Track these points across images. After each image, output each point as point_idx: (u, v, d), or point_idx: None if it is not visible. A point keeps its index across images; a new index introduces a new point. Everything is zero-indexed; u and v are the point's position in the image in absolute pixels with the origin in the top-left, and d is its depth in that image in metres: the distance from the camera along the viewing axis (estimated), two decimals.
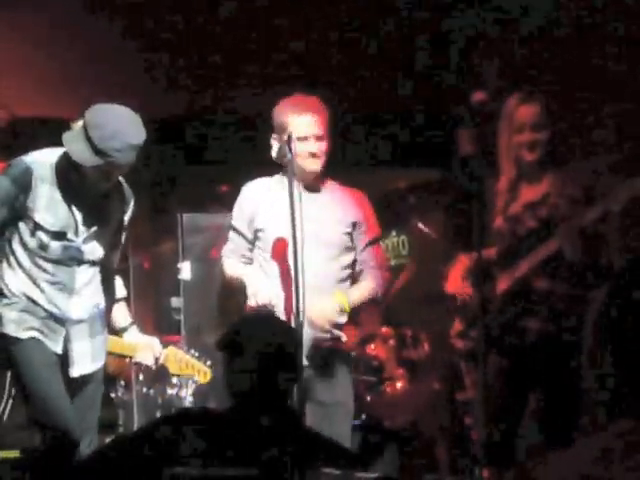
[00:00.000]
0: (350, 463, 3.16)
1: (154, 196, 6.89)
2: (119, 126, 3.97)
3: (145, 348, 4.45)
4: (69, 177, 4.11)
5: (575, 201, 4.21)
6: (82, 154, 3.97)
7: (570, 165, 4.40)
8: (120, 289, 4.52)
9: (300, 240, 4.11)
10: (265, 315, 4.09)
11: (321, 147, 4.39)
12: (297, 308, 4.02)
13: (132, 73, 5.84)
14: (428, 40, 5.89)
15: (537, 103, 4.24)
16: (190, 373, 4.70)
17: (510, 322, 4.27)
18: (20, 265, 4.15)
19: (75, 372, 4.22)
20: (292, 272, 4.11)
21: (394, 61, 6.01)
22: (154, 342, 4.49)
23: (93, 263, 4.24)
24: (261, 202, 4.50)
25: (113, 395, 5.78)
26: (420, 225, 6.14)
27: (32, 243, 4.12)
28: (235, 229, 4.56)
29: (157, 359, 4.48)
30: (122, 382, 5.82)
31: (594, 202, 4.10)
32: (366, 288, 4.55)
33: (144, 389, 5.93)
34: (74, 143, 4.00)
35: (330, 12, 5.62)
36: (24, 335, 4.13)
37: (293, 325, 4.00)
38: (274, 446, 3.09)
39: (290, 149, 4.17)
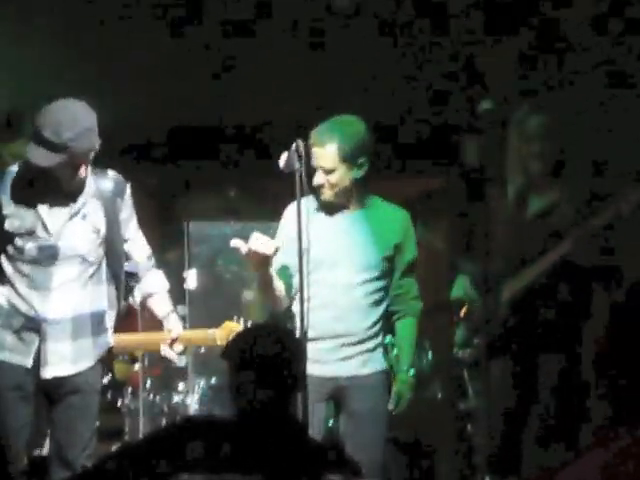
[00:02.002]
0: (353, 471, 3.19)
1: (160, 204, 6.91)
2: (67, 116, 4.03)
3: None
4: (30, 179, 4.13)
5: (583, 210, 4.24)
6: (44, 159, 4.02)
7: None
8: (156, 283, 4.50)
9: (330, 259, 4.24)
10: (270, 325, 4.12)
11: (331, 179, 4.31)
12: (302, 320, 4.05)
13: (137, 81, 5.87)
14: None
15: (546, 114, 4.26)
16: None
17: (515, 330, 4.29)
18: (4, 274, 4.18)
19: (47, 373, 4.14)
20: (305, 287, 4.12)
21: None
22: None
23: (83, 260, 4.18)
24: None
25: (119, 402, 5.80)
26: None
27: (10, 250, 4.16)
28: None
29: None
30: (129, 389, 5.84)
31: (603, 210, 4.13)
32: (412, 342, 4.55)
33: (150, 396, 5.94)
34: (32, 150, 4.03)
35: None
36: None
37: (297, 335, 4.04)
38: (278, 454, 3.12)
39: (300, 158, 4.16)
